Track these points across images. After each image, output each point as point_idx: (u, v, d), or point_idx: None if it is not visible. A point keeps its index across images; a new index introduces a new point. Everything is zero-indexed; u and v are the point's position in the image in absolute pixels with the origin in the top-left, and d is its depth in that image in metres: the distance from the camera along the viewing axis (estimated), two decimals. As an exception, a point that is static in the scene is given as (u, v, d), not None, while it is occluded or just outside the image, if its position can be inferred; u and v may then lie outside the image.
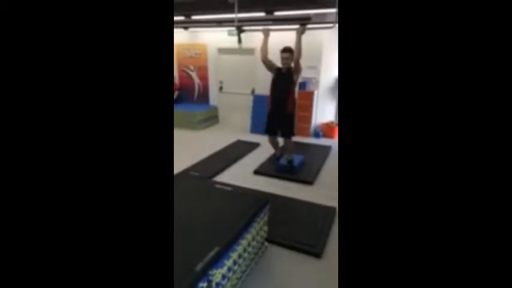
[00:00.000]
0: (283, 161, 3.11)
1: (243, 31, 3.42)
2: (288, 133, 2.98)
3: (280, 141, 3.19)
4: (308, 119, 4.58)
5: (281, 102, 2.88)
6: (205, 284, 1.19)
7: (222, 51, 5.18)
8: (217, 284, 1.29)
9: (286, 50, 2.80)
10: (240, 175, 3.14)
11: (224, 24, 4.26)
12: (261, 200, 1.79)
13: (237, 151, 3.83)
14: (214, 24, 4.44)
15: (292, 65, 2.82)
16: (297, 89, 4.46)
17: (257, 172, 3.17)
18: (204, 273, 1.18)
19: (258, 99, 4.78)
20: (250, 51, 4.80)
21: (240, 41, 3.56)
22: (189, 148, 4.08)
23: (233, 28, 3.88)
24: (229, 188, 1.94)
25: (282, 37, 3.21)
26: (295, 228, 2.14)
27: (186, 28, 5.12)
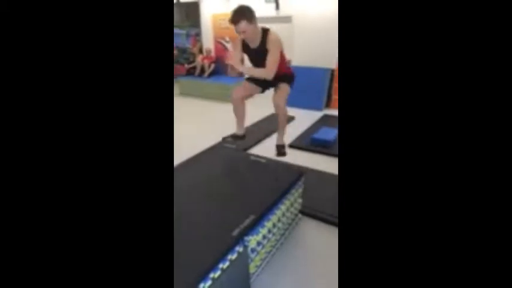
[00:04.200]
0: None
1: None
2: (285, 81, 2.04)
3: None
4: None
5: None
6: (241, 249, 1.26)
7: (258, 20, 4.99)
8: (252, 250, 1.35)
9: (236, 18, 1.68)
10: (274, 148, 3.15)
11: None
12: (296, 172, 1.79)
13: (271, 124, 3.80)
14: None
15: (268, 45, 1.82)
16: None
17: (292, 146, 3.15)
18: (240, 239, 1.25)
19: (294, 71, 4.62)
20: (287, 19, 4.55)
21: (277, 7, 3.39)
22: (223, 121, 4.14)
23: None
24: (264, 160, 1.96)
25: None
26: (328, 202, 2.13)
27: (221, -3, 4.99)
